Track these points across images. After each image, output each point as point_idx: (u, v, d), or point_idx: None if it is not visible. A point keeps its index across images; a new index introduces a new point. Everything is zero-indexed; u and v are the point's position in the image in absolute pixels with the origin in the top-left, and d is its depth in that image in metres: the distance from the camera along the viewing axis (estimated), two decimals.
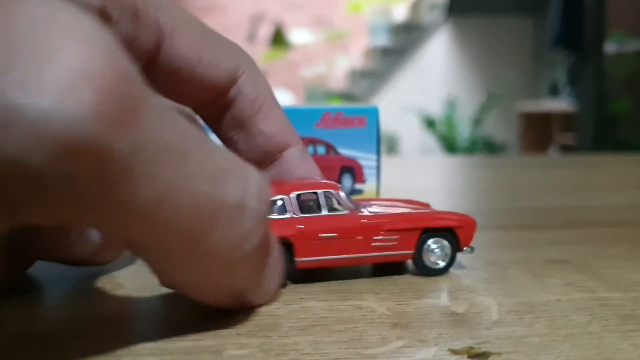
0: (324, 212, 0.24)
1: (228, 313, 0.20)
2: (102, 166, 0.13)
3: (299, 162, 0.25)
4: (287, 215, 0.23)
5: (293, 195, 0.23)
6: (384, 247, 0.24)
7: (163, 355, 0.17)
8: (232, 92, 0.23)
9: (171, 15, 0.20)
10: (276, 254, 0.20)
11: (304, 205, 0.24)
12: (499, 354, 0.17)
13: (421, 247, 0.24)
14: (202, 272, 0.17)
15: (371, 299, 0.22)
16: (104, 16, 0.18)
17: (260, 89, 0.24)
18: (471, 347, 0.17)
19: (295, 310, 0.20)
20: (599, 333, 0.18)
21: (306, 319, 0.20)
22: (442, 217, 0.25)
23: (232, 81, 0.23)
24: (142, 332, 0.18)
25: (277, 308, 0.21)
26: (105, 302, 0.21)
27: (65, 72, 0.12)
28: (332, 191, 0.24)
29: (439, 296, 0.22)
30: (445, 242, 0.25)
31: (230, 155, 0.17)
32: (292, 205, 0.23)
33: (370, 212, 0.25)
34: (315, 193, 0.24)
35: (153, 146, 0.13)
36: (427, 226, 0.25)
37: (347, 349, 0.17)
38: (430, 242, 0.25)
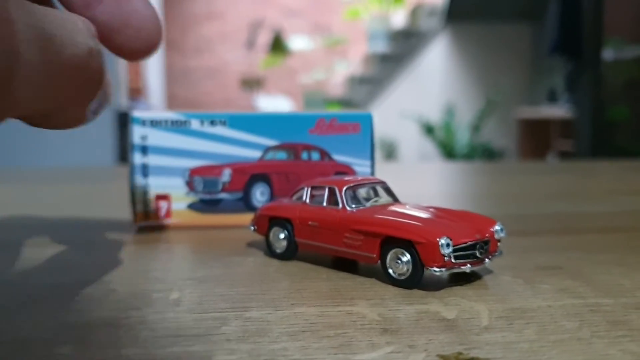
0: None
1: (219, 318, 0.20)
2: None
3: None
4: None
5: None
6: (351, 245, 0.26)
7: None
8: None
9: None
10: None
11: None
12: (487, 359, 0.17)
13: (385, 254, 0.24)
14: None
15: (362, 305, 0.22)
16: None
17: None
18: (460, 353, 0.17)
19: (286, 315, 0.20)
20: (588, 339, 0.18)
21: (296, 324, 0.20)
22: (404, 228, 0.24)
23: None
24: (133, 338, 0.18)
25: (268, 314, 0.21)
26: (97, 308, 0.21)
27: None
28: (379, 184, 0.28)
29: (430, 302, 0.22)
30: (407, 255, 0.24)
31: (76, 18, 0.21)
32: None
33: (358, 211, 0.26)
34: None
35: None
36: (386, 234, 0.24)
37: (336, 354, 0.17)
38: (393, 251, 0.24)
